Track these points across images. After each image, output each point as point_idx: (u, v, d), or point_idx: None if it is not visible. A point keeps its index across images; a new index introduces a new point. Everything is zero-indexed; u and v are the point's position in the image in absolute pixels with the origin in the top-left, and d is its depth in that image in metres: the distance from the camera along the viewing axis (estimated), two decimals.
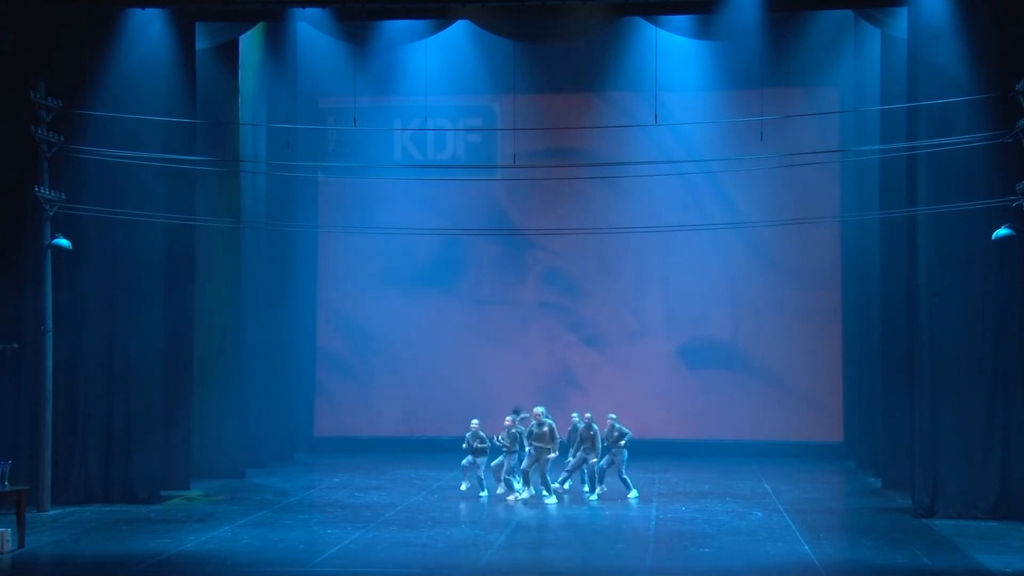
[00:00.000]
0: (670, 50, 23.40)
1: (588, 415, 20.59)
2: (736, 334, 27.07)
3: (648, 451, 23.99)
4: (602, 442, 20.37)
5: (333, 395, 27.88)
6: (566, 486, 20.56)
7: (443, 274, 27.78)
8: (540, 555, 16.40)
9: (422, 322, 27.76)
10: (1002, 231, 17.89)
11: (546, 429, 20.10)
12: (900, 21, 19.96)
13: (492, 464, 20.79)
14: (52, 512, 18.99)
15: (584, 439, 20.34)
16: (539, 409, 20.40)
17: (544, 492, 20.06)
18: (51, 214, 19.21)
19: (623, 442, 20.40)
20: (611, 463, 20.48)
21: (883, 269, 22.31)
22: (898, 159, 20.31)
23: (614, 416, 20.69)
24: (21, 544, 16.26)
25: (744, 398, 26.82)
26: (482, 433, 20.83)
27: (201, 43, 21.31)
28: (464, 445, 20.92)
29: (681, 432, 26.91)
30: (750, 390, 26.83)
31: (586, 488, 20.63)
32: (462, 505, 19.98)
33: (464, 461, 20.96)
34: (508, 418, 20.71)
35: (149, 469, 20.06)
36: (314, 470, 24.40)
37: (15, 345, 19.36)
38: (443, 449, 25.25)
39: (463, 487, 20.94)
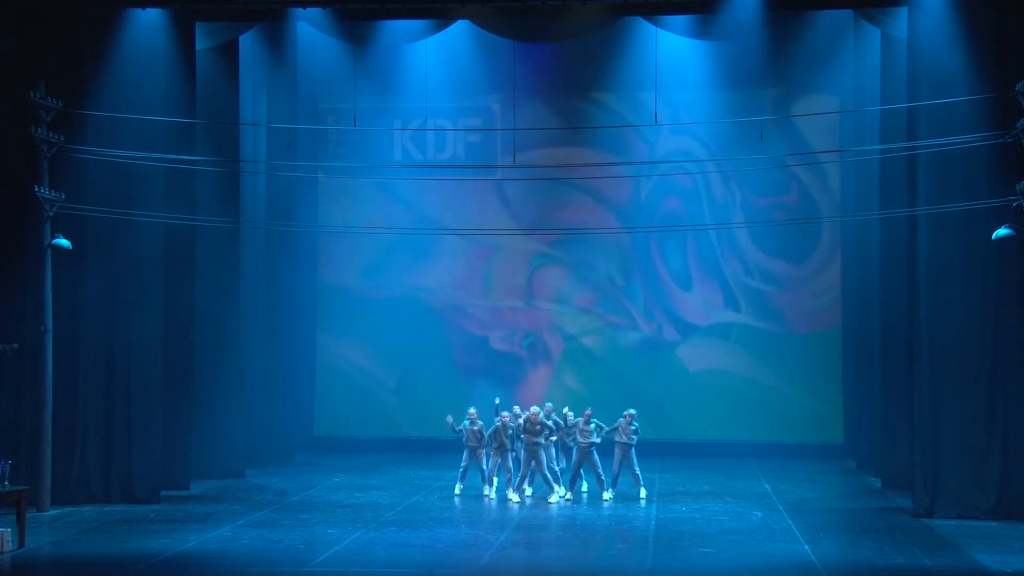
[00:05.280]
0: (670, 50, 23.39)
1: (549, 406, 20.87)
2: (736, 333, 27.07)
3: (648, 451, 23.95)
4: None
5: (333, 395, 27.87)
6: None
7: (443, 274, 27.77)
8: (540, 555, 16.40)
9: (422, 321, 27.76)
10: (1002, 231, 17.89)
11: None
12: (900, 21, 19.96)
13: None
14: (52, 512, 18.99)
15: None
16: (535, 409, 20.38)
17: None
18: (51, 214, 19.21)
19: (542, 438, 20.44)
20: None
21: (883, 269, 22.31)
22: (898, 159, 20.31)
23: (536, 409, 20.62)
24: (21, 544, 16.27)
25: (744, 398, 26.82)
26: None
27: (201, 43, 21.30)
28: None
29: (682, 432, 26.93)
30: (750, 390, 26.83)
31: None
32: (462, 505, 19.97)
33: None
34: (505, 413, 20.56)
35: (149, 469, 20.06)
36: (314, 470, 24.39)
37: (15, 345, 19.35)
38: (443, 449, 25.24)
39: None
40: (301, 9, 21.18)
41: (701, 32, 22.00)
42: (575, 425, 20.47)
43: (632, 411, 20.70)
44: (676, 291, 27.27)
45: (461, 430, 20.76)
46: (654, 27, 22.13)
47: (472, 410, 20.90)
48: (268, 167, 24.32)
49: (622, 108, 26.76)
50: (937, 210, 18.58)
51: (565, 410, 21.04)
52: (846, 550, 16.33)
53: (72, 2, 20.07)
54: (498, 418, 20.31)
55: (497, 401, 21.01)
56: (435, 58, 24.54)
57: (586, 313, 27.58)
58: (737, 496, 20.69)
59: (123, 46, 20.21)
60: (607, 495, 20.20)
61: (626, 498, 20.19)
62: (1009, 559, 15.46)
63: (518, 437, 20.35)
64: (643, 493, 20.18)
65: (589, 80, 26.86)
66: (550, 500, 19.92)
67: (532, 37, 23.14)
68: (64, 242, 19.17)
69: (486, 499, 20.31)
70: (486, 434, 20.40)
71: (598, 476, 20.28)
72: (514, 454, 20.47)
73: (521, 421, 20.27)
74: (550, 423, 20.24)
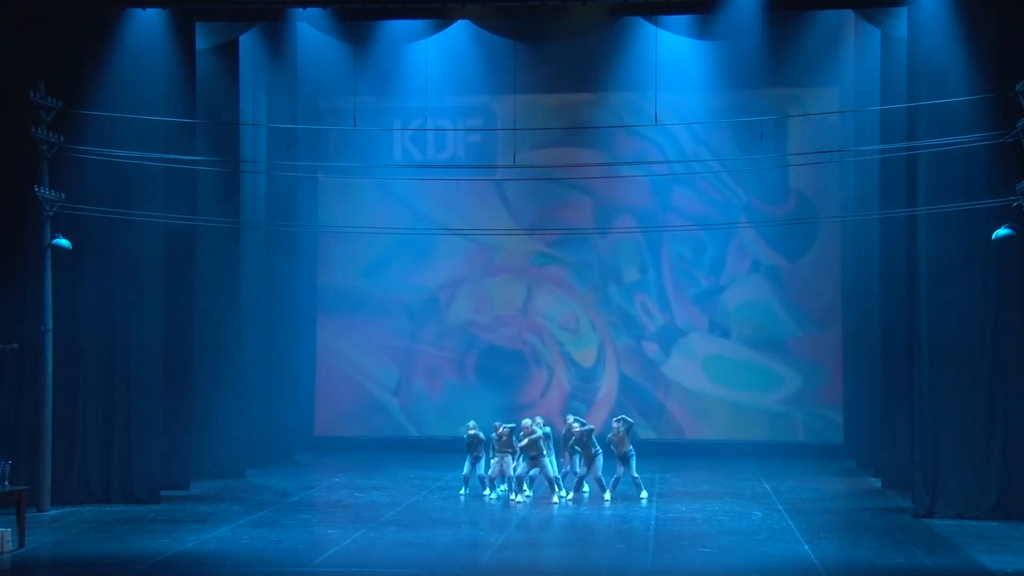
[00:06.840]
0: (670, 50, 23.40)
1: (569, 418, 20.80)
2: (736, 334, 27.07)
3: (649, 451, 23.96)
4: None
5: (333, 395, 27.87)
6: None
7: (443, 274, 27.76)
8: (540, 555, 16.41)
9: (422, 322, 27.75)
10: (1002, 231, 17.88)
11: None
12: (900, 21, 19.96)
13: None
14: (52, 512, 18.98)
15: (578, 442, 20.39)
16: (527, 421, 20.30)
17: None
18: (51, 214, 19.21)
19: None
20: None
21: (883, 269, 22.31)
22: (898, 159, 20.31)
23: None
24: (21, 544, 16.26)
25: (744, 397, 26.82)
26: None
27: (201, 43, 21.30)
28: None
29: (681, 432, 26.92)
30: (750, 389, 26.83)
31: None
32: (462, 505, 19.98)
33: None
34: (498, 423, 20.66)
35: (149, 469, 20.05)
36: (314, 470, 24.39)
37: (15, 345, 19.34)
38: (443, 449, 25.26)
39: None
40: (301, 9, 21.17)
41: (701, 32, 22.01)
42: (574, 431, 20.42)
43: (618, 418, 20.69)
44: (676, 291, 27.25)
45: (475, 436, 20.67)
46: (654, 27, 22.14)
47: (471, 423, 20.88)
48: (268, 167, 24.32)
49: (622, 108, 26.76)
50: (937, 210, 18.57)
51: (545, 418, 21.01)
52: (846, 550, 16.32)
53: (72, 2, 20.05)
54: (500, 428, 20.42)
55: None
56: (435, 58, 24.54)
57: (586, 313, 27.53)
58: (737, 496, 20.68)
59: (123, 46, 20.20)
60: (607, 495, 20.20)
61: (626, 498, 20.18)
62: (1009, 559, 15.46)
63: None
64: (644, 494, 20.17)
65: (589, 80, 26.86)
66: (552, 501, 19.91)
67: (532, 37, 23.15)
68: (64, 242, 19.17)
69: (486, 499, 20.30)
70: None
71: (597, 480, 20.26)
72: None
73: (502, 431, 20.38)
74: (545, 431, 20.20)
